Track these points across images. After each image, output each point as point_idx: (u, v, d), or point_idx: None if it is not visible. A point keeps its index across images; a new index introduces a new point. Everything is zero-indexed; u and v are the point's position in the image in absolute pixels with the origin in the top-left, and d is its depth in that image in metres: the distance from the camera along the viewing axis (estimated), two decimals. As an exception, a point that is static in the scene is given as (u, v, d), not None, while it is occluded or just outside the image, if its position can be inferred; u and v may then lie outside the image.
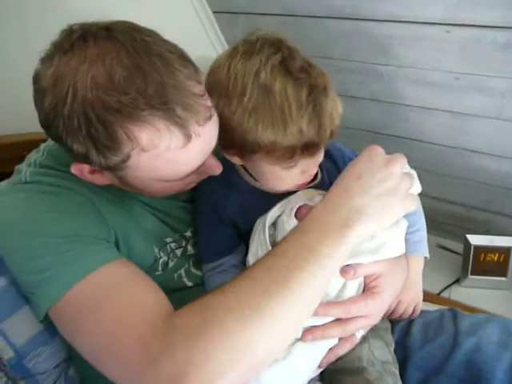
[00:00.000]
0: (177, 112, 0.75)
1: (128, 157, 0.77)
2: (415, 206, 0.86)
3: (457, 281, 1.81)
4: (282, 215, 1.01)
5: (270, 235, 0.99)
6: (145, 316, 0.76)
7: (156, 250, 0.99)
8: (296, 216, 0.95)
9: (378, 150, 0.85)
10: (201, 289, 1.05)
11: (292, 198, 1.03)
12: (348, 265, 0.90)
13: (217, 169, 0.93)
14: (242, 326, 0.72)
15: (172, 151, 0.78)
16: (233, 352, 0.71)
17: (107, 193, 0.91)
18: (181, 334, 0.72)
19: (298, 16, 1.46)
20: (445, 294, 1.78)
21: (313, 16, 1.43)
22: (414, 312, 1.13)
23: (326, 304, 0.89)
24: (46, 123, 0.78)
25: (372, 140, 1.68)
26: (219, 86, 0.89)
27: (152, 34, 0.79)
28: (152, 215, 1.00)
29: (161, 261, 0.99)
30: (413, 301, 1.12)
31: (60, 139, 0.77)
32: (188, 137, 0.78)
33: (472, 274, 1.75)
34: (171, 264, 1.01)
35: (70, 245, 0.81)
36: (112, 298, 0.78)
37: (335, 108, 0.91)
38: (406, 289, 1.03)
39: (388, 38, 1.35)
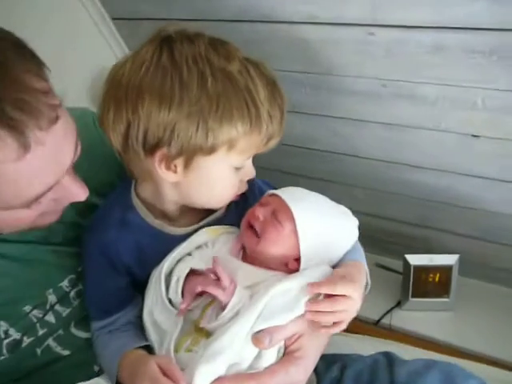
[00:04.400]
0: (6, 111, 0.57)
1: None
2: None
3: (398, 304, 1.67)
4: (180, 263, 0.85)
5: (167, 286, 0.83)
6: None
7: (1, 330, 0.79)
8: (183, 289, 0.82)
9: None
10: (84, 354, 0.87)
11: (194, 237, 0.87)
12: (261, 330, 0.74)
13: (81, 194, 0.75)
14: None
15: (5, 164, 0.60)
16: None
17: None
18: None
19: (207, 21, 1.29)
20: (385, 320, 1.64)
21: (224, 20, 1.27)
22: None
23: (235, 377, 0.73)
24: None
25: (300, 156, 1.56)
26: (165, 77, 0.75)
27: None
28: (3, 278, 0.80)
29: (5, 342, 0.78)
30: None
31: None
32: (25, 146, 0.60)
33: (413, 296, 1.63)
34: (27, 341, 0.81)
35: None
36: None
37: None
38: None
39: (305, 43, 1.20)
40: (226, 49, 0.80)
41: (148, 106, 0.75)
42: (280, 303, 0.76)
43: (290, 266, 0.85)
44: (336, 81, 1.26)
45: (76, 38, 1.42)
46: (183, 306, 0.78)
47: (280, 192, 0.87)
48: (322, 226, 0.86)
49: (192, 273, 0.83)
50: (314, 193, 0.91)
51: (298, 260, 0.85)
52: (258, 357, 0.76)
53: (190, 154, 0.78)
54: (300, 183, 1.71)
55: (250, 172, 0.88)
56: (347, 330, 1.35)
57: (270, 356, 0.77)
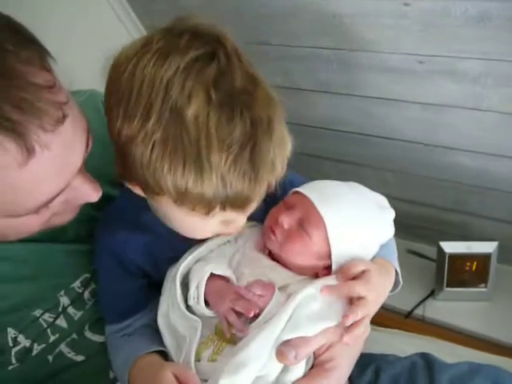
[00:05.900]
0: (4, 112, 0.50)
1: None
2: None
3: (431, 293, 1.58)
4: (198, 263, 0.77)
5: (183, 289, 0.76)
6: None
7: (9, 337, 0.73)
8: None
9: None
10: (100, 360, 0.81)
11: (213, 238, 0.80)
12: (287, 341, 0.66)
13: (94, 195, 0.68)
14: None
15: (7, 172, 0.53)
16: None
17: None
18: None
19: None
20: (418, 311, 1.55)
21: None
22: None
23: None
24: None
25: (327, 137, 1.48)
26: (118, 90, 0.64)
27: None
28: (10, 282, 0.73)
29: (14, 351, 0.73)
30: None
31: None
32: (28, 150, 0.53)
33: (448, 286, 1.54)
34: (38, 348, 0.75)
35: None
36: None
37: (280, 152, 0.66)
38: None
39: (335, 17, 1.10)
40: (200, 81, 0.61)
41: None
42: (309, 311, 0.68)
43: (320, 274, 0.77)
44: (368, 57, 1.16)
45: (88, 18, 1.34)
46: (241, 330, 0.69)
47: (306, 191, 0.78)
48: (357, 229, 0.77)
49: (213, 276, 0.75)
50: (344, 184, 0.81)
51: (327, 268, 0.77)
52: (286, 370, 0.69)
53: (141, 185, 0.69)
54: (326, 166, 1.65)
55: (233, 221, 0.73)
56: (377, 323, 1.29)
57: (299, 369, 0.69)
